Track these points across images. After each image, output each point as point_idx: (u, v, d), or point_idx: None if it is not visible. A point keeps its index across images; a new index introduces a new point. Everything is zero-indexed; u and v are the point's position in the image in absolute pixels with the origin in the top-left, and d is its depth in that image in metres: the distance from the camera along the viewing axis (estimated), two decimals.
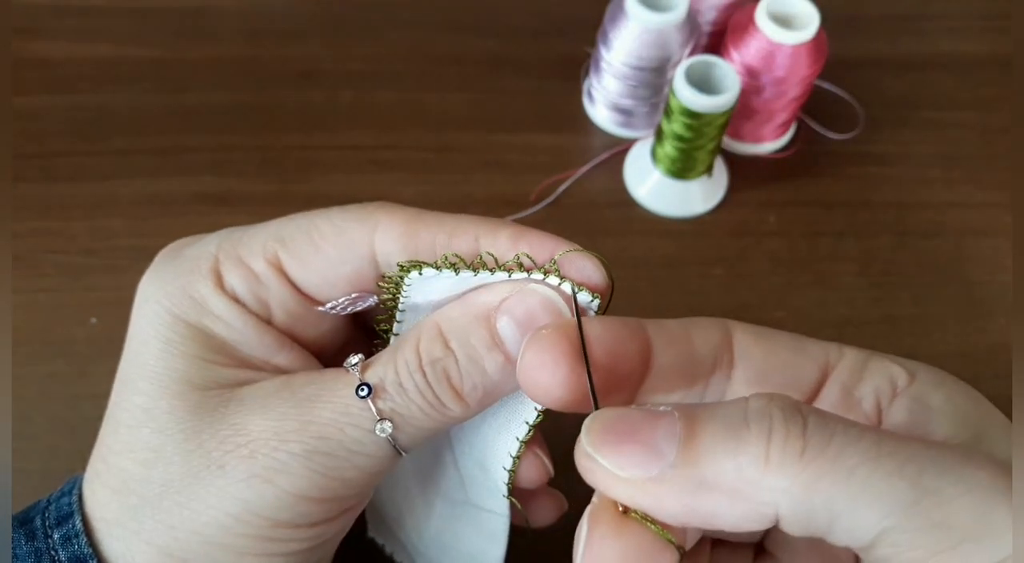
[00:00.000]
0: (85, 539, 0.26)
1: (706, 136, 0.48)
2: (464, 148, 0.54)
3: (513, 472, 0.29)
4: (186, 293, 0.28)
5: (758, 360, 0.26)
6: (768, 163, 0.54)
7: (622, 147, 0.54)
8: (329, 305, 0.28)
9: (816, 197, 0.53)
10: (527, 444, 0.29)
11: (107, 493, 0.27)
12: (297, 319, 0.29)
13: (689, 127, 0.47)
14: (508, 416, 0.29)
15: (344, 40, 0.58)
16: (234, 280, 0.28)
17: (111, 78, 0.55)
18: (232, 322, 0.28)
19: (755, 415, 0.21)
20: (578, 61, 0.57)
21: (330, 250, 0.28)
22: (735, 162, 0.54)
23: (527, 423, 0.28)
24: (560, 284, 0.26)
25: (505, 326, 0.26)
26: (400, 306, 0.28)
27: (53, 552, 0.26)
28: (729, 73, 0.47)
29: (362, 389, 0.26)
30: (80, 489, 0.28)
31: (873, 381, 0.25)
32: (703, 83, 0.47)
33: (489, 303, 0.27)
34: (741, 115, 0.51)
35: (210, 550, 0.26)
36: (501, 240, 0.27)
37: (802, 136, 0.55)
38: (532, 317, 0.26)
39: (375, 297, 0.28)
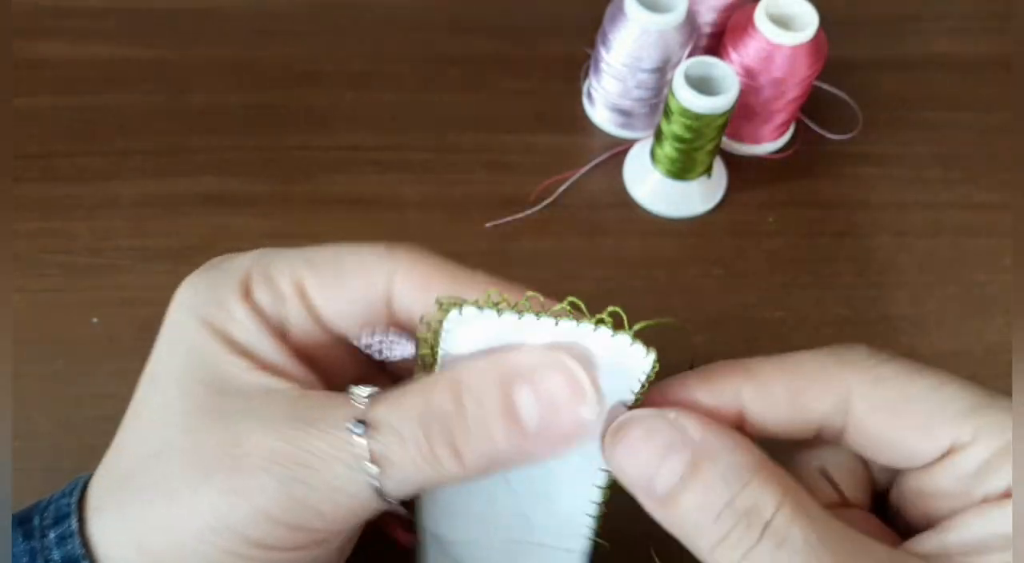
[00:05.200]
0: (79, 540, 0.27)
1: (705, 137, 0.48)
2: (464, 148, 0.54)
3: (599, 517, 0.28)
4: (214, 299, 0.29)
5: (872, 435, 0.27)
6: (767, 163, 0.54)
7: (621, 148, 0.54)
8: (364, 342, 0.28)
9: (815, 197, 0.53)
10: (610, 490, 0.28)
11: (110, 483, 0.27)
12: (312, 343, 0.29)
13: (688, 128, 0.47)
14: (581, 462, 0.28)
15: (345, 41, 0.58)
16: (260, 293, 0.29)
17: (113, 79, 0.55)
18: (251, 328, 0.28)
19: (728, 514, 0.24)
20: (578, 62, 0.57)
21: (351, 283, 0.29)
22: (734, 163, 0.54)
23: (604, 470, 0.28)
24: (614, 336, 0.25)
25: (524, 397, 0.25)
26: (439, 360, 0.27)
27: (47, 551, 0.27)
28: (728, 74, 0.47)
29: (358, 425, 0.25)
30: (81, 491, 0.28)
31: (995, 479, 0.26)
32: (702, 84, 0.47)
33: (515, 365, 0.26)
34: (740, 116, 0.52)
35: (182, 554, 0.26)
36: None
37: (801, 137, 0.55)
38: (552, 397, 0.25)
39: (413, 347, 0.28)
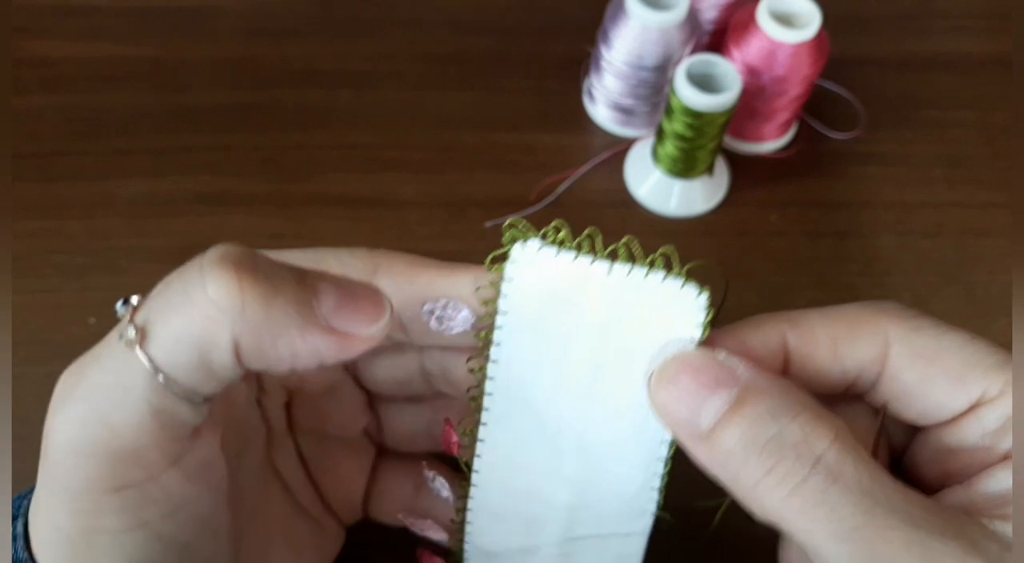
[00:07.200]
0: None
1: (707, 135, 0.48)
2: (464, 148, 0.54)
3: (663, 489, 0.29)
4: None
5: (906, 383, 0.27)
6: (770, 162, 0.54)
7: (622, 146, 0.54)
8: (427, 308, 0.28)
9: (818, 197, 0.53)
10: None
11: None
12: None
13: (690, 126, 0.47)
14: (643, 436, 0.28)
15: (343, 39, 0.58)
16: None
17: (109, 77, 0.55)
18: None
19: (775, 446, 0.23)
20: (578, 60, 0.57)
21: None
22: (736, 161, 0.53)
23: (666, 442, 0.28)
24: (664, 280, 0.25)
25: (324, 287, 0.25)
26: (497, 320, 0.27)
27: None
28: (730, 72, 0.47)
29: (123, 305, 0.24)
30: (28, 509, 0.27)
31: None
32: (704, 82, 0.47)
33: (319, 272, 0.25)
34: (742, 114, 0.51)
35: (69, 540, 0.25)
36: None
37: (804, 135, 0.55)
38: (352, 292, 0.25)
39: (471, 315, 0.28)
